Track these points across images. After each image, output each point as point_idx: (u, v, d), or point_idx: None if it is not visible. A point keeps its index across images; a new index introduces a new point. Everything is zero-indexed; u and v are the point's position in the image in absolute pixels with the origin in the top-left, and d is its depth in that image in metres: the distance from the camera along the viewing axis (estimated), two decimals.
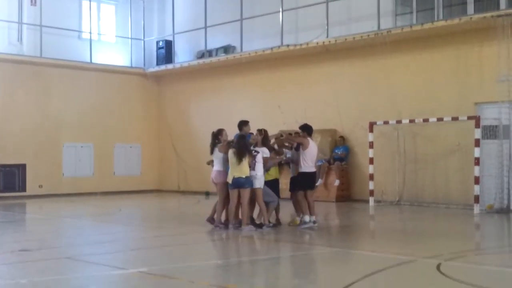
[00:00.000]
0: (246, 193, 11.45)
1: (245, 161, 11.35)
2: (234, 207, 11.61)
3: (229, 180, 11.45)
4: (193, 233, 11.77)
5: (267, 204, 11.79)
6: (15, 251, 9.55)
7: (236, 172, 11.37)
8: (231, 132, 12.72)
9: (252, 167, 11.48)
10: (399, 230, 12.70)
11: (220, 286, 7.15)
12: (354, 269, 8.30)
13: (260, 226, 11.60)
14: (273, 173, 12.15)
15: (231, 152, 11.44)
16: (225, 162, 11.74)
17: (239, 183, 11.41)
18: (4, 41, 20.64)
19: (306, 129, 12.13)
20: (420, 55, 16.66)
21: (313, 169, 12.06)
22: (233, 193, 11.50)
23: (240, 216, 11.79)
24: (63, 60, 21.18)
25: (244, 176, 11.37)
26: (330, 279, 7.62)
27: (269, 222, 11.90)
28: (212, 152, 11.99)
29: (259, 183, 11.60)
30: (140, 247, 10.31)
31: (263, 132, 12.12)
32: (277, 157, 12.16)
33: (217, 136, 11.98)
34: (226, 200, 11.87)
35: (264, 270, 8.43)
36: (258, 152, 11.63)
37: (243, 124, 12.24)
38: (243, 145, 11.45)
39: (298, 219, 12.13)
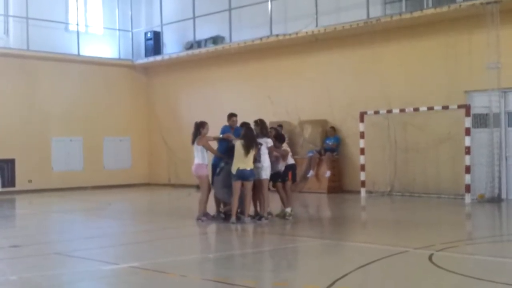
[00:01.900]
0: (250, 185, 11.45)
1: (252, 154, 11.32)
2: (237, 199, 11.51)
3: (233, 171, 11.36)
4: (184, 226, 11.70)
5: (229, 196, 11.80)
6: (5, 247, 9.47)
7: (241, 163, 11.31)
8: (221, 123, 12.64)
9: (258, 159, 11.47)
10: (390, 220, 12.68)
11: (211, 280, 7.10)
12: (346, 260, 8.27)
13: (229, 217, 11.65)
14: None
15: (238, 144, 11.36)
16: (204, 154, 11.76)
17: (244, 175, 11.37)
18: None
19: (280, 139, 12.18)
20: (409, 43, 16.62)
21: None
22: (237, 184, 11.40)
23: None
24: (50, 52, 20.95)
25: (249, 169, 11.35)
26: (322, 271, 7.58)
27: (269, 214, 11.93)
28: (193, 142, 11.92)
29: (265, 174, 11.63)
30: (131, 242, 10.24)
31: (259, 123, 12.06)
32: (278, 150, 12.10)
33: (199, 127, 11.90)
34: (208, 192, 11.85)
35: (256, 263, 8.38)
36: (261, 144, 11.59)
37: (229, 116, 12.27)
38: (251, 137, 11.42)
39: (288, 211, 12.06)
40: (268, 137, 11.98)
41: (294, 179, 12.57)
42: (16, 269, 7.88)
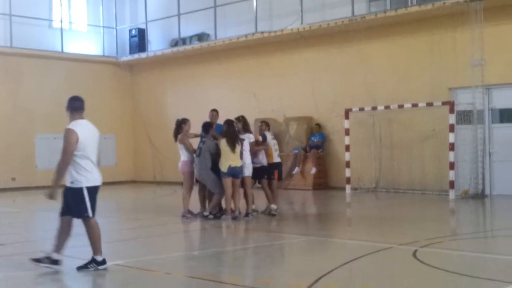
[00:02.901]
0: (239, 182, 11.48)
1: (238, 150, 11.30)
2: (230, 196, 11.48)
3: (224, 169, 11.31)
4: (169, 224, 11.67)
5: (212, 194, 11.75)
6: None
7: (231, 161, 11.28)
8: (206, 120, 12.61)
9: (240, 155, 11.44)
10: (375, 217, 12.74)
11: (196, 277, 7.08)
12: (331, 257, 8.29)
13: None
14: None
15: (223, 142, 11.31)
16: (186, 151, 11.73)
17: (235, 172, 11.36)
18: None
19: (264, 138, 12.16)
20: (394, 40, 16.70)
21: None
22: (228, 182, 11.36)
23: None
24: (34, 49, 20.81)
25: (239, 166, 11.34)
26: (307, 268, 7.59)
27: (255, 211, 11.97)
28: (176, 140, 11.90)
29: (248, 171, 11.61)
30: (115, 240, 10.16)
31: (241, 119, 12.05)
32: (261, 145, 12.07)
33: (180, 124, 11.87)
34: (191, 189, 11.87)
35: (241, 260, 8.39)
36: (244, 140, 11.57)
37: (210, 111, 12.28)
38: (233, 133, 11.38)
39: (273, 207, 12.05)
40: (251, 132, 12.00)
41: (280, 178, 12.56)
42: (0, 267, 7.82)
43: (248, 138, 11.74)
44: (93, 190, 7.37)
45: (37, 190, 20.01)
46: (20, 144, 20.58)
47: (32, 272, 7.51)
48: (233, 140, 11.30)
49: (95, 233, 7.40)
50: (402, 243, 8.70)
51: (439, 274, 7.00)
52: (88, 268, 7.32)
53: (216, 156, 11.47)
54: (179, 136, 11.77)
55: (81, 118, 7.51)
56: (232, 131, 11.46)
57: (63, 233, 7.43)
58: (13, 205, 16.59)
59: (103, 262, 7.37)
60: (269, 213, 12.00)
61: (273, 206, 12.05)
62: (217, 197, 11.65)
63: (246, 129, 11.99)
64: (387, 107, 16.24)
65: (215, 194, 11.65)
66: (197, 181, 12.01)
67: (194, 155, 11.67)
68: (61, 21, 21.82)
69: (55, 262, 7.34)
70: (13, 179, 20.34)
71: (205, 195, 11.98)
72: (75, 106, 7.56)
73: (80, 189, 7.27)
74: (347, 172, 16.70)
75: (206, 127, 11.88)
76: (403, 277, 6.98)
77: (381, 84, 16.79)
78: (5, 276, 7.21)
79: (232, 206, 11.70)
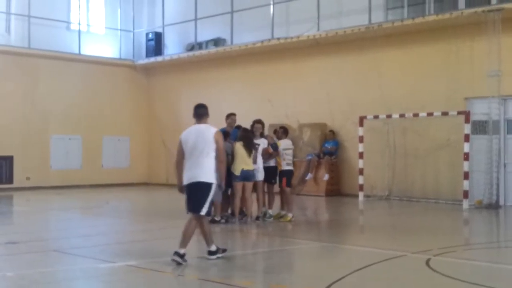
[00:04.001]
0: (251, 186, 11.55)
1: (252, 154, 11.41)
2: (239, 200, 11.55)
3: (237, 172, 11.37)
4: (182, 226, 11.64)
5: (226, 199, 11.76)
6: (2, 243, 9.45)
7: (245, 164, 11.37)
8: (221, 125, 12.64)
9: (253, 160, 11.51)
10: (388, 225, 12.69)
11: (209, 280, 7.09)
12: (343, 264, 8.27)
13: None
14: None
15: (239, 145, 11.39)
16: None
17: (248, 176, 11.45)
18: None
19: (275, 149, 12.07)
20: (410, 49, 16.65)
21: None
22: (239, 186, 11.45)
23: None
24: (52, 51, 20.98)
25: (252, 169, 11.44)
26: (319, 273, 7.58)
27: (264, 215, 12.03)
28: None
29: (261, 175, 11.69)
30: (128, 240, 10.23)
31: (262, 123, 12.13)
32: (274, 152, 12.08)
33: None
34: None
35: (253, 264, 8.39)
36: (259, 145, 11.65)
37: (227, 115, 12.37)
38: (250, 138, 11.48)
39: (289, 215, 12.04)
40: (265, 138, 12.02)
41: (288, 185, 12.31)
42: (13, 265, 7.89)
43: (263, 144, 11.78)
44: (186, 188, 7.97)
45: (50, 189, 20.19)
46: (36, 144, 20.74)
47: (44, 270, 7.57)
48: (249, 145, 11.37)
49: (185, 229, 7.99)
50: (415, 252, 8.66)
51: (452, 284, 6.96)
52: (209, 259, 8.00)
53: (229, 159, 11.47)
54: None
55: (200, 123, 8.18)
56: (248, 136, 11.55)
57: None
58: (27, 204, 16.71)
59: (214, 252, 8.04)
60: (263, 216, 11.98)
61: (269, 211, 12.10)
62: (217, 201, 11.52)
63: (262, 134, 12.06)
64: (402, 116, 16.19)
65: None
66: None
67: None
68: (79, 23, 22.00)
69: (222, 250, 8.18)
70: (28, 178, 20.50)
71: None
72: (196, 113, 8.30)
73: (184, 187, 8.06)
74: (360, 179, 16.65)
75: (224, 135, 11.85)
76: (416, 285, 6.95)
77: (396, 92, 16.75)
78: (17, 275, 7.25)
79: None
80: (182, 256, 7.70)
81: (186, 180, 7.91)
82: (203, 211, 7.87)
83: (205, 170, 7.82)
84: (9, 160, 20.19)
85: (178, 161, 8.05)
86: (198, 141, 7.91)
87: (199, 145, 7.89)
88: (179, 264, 7.63)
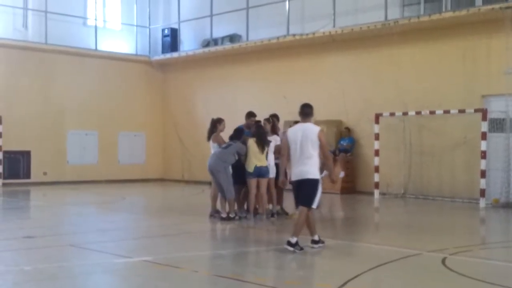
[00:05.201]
0: (265, 182, 11.54)
1: (265, 151, 11.41)
2: (253, 197, 11.57)
3: (250, 169, 11.39)
4: (197, 222, 11.74)
5: (243, 195, 11.84)
6: (19, 237, 9.57)
7: (258, 161, 11.39)
8: (236, 121, 12.67)
9: (265, 156, 11.53)
10: (404, 223, 12.63)
11: (224, 276, 7.11)
12: (359, 261, 8.25)
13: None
14: None
15: (252, 142, 11.40)
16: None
17: (262, 172, 11.45)
18: (9, 27, 20.56)
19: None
20: (427, 46, 16.54)
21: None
22: (253, 182, 11.47)
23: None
24: (68, 46, 21.12)
25: (265, 165, 11.44)
26: (334, 271, 7.57)
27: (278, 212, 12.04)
28: (209, 139, 11.93)
29: (272, 172, 11.68)
30: (144, 236, 10.30)
31: (271, 120, 12.08)
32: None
33: (215, 123, 11.90)
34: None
35: (268, 261, 8.40)
36: (271, 142, 11.63)
37: (248, 115, 12.27)
38: (263, 134, 11.49)
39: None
40: (278, 135, 12.01)
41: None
42: (30, 259, 7.97)
43: (275, 141, 11.77)
44: (295, 184, 8.65)
45: (67, 184, 20.35)
46: (52, 139, 20.91)
47: (61, 265, 7.64)
48: (262, 141, 11.38)
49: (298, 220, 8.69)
50: (431, 250, 8.63)
51: (469, 283, 6.93)
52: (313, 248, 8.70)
53: (242, 159, 11.51)
54: (213, 135, 11.82)
55: (304, 122, 8.80)
56: (262, 132, 11.56)
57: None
58: (44, 199, 16.88)
59: (317, 241, 8.77)
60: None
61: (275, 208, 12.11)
62: (230, 198, 11.53)
63: (274, 131, 12.02)
64: (418, 113, 16.09)
65: (226, 195, 11.50)
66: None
67: (221, 147, 11.59)
68: (95, 19, 22.12)
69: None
70: (45, 173, 20.67)
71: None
72: (302, 112, 8.92)
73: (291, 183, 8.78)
74: (376, 177, 16.59)
75: (238, 133, 11.87)
76: (432, 284, 6.92)
77: (412, 89, 16.65)
78: (34, 269, 7.32)
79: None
80: (294, 244, 8.34)
81: (294, 177, 8.55)
82: (314, 205, 8.62)
83: (312, 168, 8.45)
84: (26, 155, 20.39)
85: (284, 157, 8.77)
86: (304, 140, 8.47)
87: (305, 144, 8.46)
88: (293, 252, 8.28)
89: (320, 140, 8.49)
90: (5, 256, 8.26)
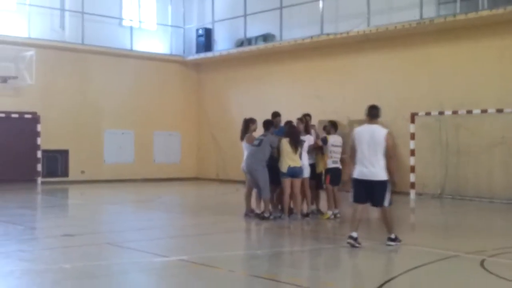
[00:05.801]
0: (299, 183, 11.50)
1: (299, 151, 11.37)
2: (288, 197, 11.55)
3: (284, 169, 11.37)
4: (232, 221, 11.78)
5: (278, 194, 11.81)
6: (58, 236, 9.72)
7: (291, 161, 11.34)
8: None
9: (299, 156, 11.49)
10: (441, 224, 12.49)
11: (259, 276, 7.13)
12: (395, 263, 8.20)
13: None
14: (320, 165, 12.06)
15: (285, 142, 11.38)
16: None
17: (295, 172, 11.41)
18: (47, 27, 20.94)
19: (325, 143, 12.00)
20: (463, 45, 16.31)
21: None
22: (287, 182, 11.43)
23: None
24: (104, 47, 21.42)
25: (299, 166, 11.40)
26: (370, 272, 7.53)
27: (313, 212, 12.05)
28: (242, 138, 11.95)
29: (306, 172, 11.64)
30: (179, 235, 10.38)
31: (303, 120, 12.03)
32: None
33: (248, 123, 11.90)
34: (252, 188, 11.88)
35: (303, 261, 8.40)
36: (304, 141, 11.60)
37: (273, 115, 12.25)
38: (296, 134, 11.45)
39: (328, 213, 11.92)
40: (311, 134, 11.97)
41: (332, 183, 11.86)
42: (69, 258, 8.08)
43: (308, 140, 11.73)
44: (357, 181, 8.90)
45: (104, 183, 20.64)
46: (90, 138, 21.23)
47: (99, 263, 7.74)
48: (296, 141, 11.34)
49: (353, 215, 9.03)
50: (468, 252, 8.51)
51: (508, 286, 6.81)
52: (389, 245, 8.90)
53: (274, 152, 11.44)
54: (246, 136, 11.84)
55: (371, 123, 8.99)
56: (295, 132, 11.51)
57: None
58: (81, 198, 17.13)
59: (393, 239, 8.90)
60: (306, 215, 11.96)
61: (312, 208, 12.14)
62: (266, 198, 11.53)
63: (307, 131, 11.98)
64: (454, 112, 15.88)
65: (262, 195, 11.48)
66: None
67: (253, 145, 11.55)
68: (131, 20, 22.37)
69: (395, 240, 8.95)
70: (82, 172, 21.00)
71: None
72: (370, 113, 9.13)
73: (353, 179, 9.04)
74: (412, 177, 16.42)
75: (267, 124, 11.79)
76: (469, 286, 6.83)
77: (448, 88, 16.44)
78: (73, 267, 7.42)
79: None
80: (355, 239, 8.64)
81: (360, 175, 8.79)
82: (386, 203, 8.84)
83: (380, 169, 8.71)
84: (64, 154, 20.75)
85: (352, 155, 8.99)
86: (371, 141, 8.72)
87: (372, 145, 8.71)
88: (353, 246, 8.62)
89: (386, 141, 8.73)
90: (44, 255, 8.39)
